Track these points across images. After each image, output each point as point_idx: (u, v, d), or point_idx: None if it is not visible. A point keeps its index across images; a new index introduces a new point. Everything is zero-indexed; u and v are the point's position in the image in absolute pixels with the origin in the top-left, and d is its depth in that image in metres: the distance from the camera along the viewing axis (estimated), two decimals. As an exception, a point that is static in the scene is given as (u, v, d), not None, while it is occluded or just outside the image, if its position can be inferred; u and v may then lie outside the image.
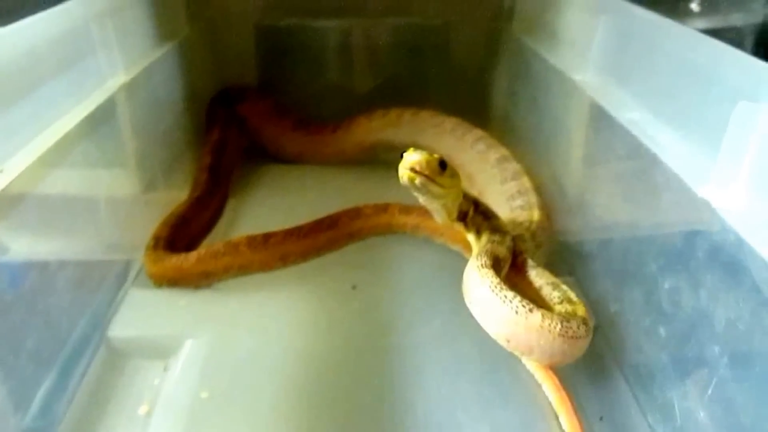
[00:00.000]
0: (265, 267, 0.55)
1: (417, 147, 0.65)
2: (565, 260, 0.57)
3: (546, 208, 0.57)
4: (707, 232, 0.36)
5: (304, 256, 0.57)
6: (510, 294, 0.40)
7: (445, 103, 0.72)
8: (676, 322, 0.39)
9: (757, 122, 0.33)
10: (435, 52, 0.80)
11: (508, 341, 0.40)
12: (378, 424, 0.42)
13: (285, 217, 0.60)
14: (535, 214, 0.56)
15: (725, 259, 0.34)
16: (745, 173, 0.34)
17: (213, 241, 0.61)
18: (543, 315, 0.39)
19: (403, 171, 0.42)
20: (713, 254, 0.35)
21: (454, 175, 0.45)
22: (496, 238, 0.47)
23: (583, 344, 0.39)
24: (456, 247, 0.58)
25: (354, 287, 0.55)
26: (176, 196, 0.65)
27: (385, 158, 0.73)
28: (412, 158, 0.42)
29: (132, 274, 0.56)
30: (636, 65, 0.49)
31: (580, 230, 0.56)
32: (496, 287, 0.40)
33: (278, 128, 0.76)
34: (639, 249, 0.45)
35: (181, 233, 0.59)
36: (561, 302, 0.43)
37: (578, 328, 0.39)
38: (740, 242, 0.32)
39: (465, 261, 0.55)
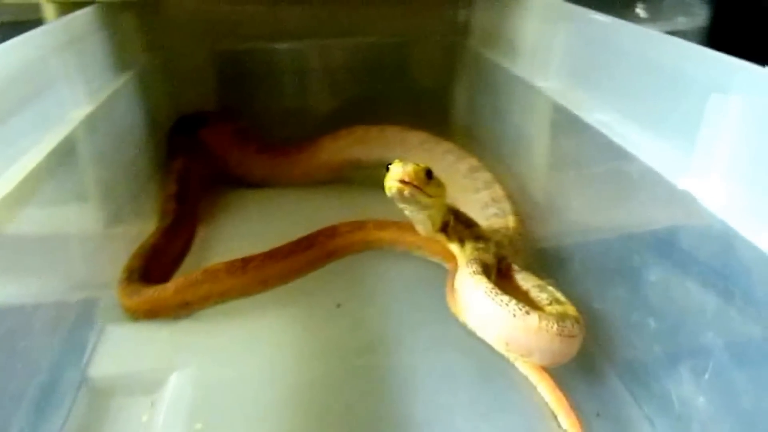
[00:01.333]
0: (246, 292, 0.54)
1: (384, 162, 0.67)
2: (542, 264, 0.57)
3: (520, 214, 0.58)
4: (691, 222, 0.37)
5: (285, 278, 0.56)
6: (505, 298, 0.40)
7: (406, 120, 0.73)
8: (666, 314, 0.40)
9: (728, 112, 0.35)
10: (394, 70, 0.81)
11: (507, 344, 0.40)
12: (379, 441, 0.42)
13: (257, 242, 0.59)
14: (511, 221, 0.57)
15: (712, 246, 0.35)
16: (722, 162, 0.35)
17: (186, 271, 0.59)
18: (540, 316, 0.39)
19: (392, 182, 0.42)
20: (699, 243, 0.37)
21: (440, 184, 0.45)
22: (481, 245, 0.48)
23: (578, 342, 0.40)
24: (435, 259, 0.59)
25: (338, 306, 0.54)
26: (143, 227, 0.63)
27: (353, 177, 0.74)
28: (399, 169, 0.42)
29: (107, 309, 0.54)
30: (598, 68, 0.51)
31: (556, 233, 0.57)
32: (491, 292, 0.41)
33: (242, 153, 0.76)
34: (619, 246, 0.46)
35: (154, 264, 0.57)
36: (550, 303, 0.43)
37: (573, 326, 0.39)
38: (726, 229, 0.33)
39: (445, 272, 0.57)
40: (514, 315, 0.39)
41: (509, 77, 0.64)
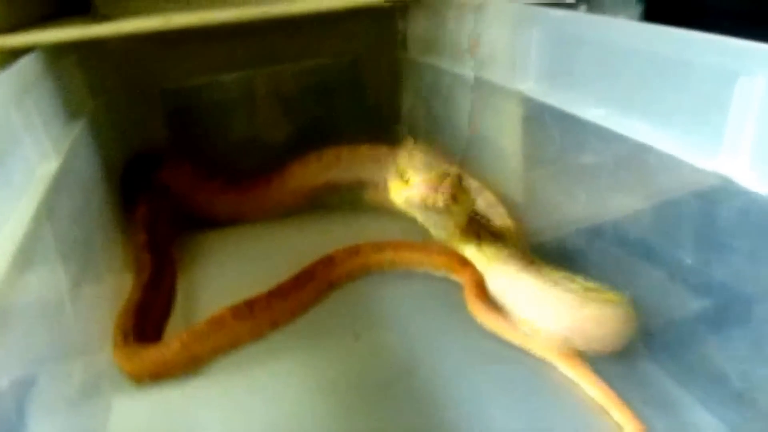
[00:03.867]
0: (256, 336, 0.51)
1: (362, 183, 0.65)
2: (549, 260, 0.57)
3: (515, 215, 0.58)
4: (724, 200, 0.38)
5: (292, 315, 0.53)
6: (562, 287, 0.40)
7: (362, 138, 0.72)
8: (710, 293, 0.40)
9: (736, 92, 0.36)
10: (341, 90, 0.80)
11: (570, 332, 0.40)
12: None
13: (244, 284, 0.56)
14: (510, 223, 0.57)
15: (751, 220, 0.36)
16: (746, 140, 0.36)
17: (177, 324, 0.55)
18: (602, 303, 0.39)
19: (423, 193, 0.40)
20: (736, 218, 0.38)
21: (466, 188, 0.44)
22: (500, 243, 0.47)
23: (635, 326, 0.40)
24: (439, 273, 0.57)
25: (357, 337, 0.52)
26: (118, 282, 0.59)
27: (328, 202, 0.71)
28: (430, 178, 0.40)
29: (104, 378, 0.49)
30: (568, 64, 0.52)
31: (559, 228, 0.57)
32: (546, 284, 0.40)
33: (206, 191, 0.72)
34: (642, 231, 0.47)
35: (146, 321, 0.53)
36: (586, 291, 0.43)
37: (629, 310, 0.39)
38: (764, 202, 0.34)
39: (451, 284, 0.56)
40: (576, 303, 0.39)
41: (459, 81, 0.65)
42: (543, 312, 0.42)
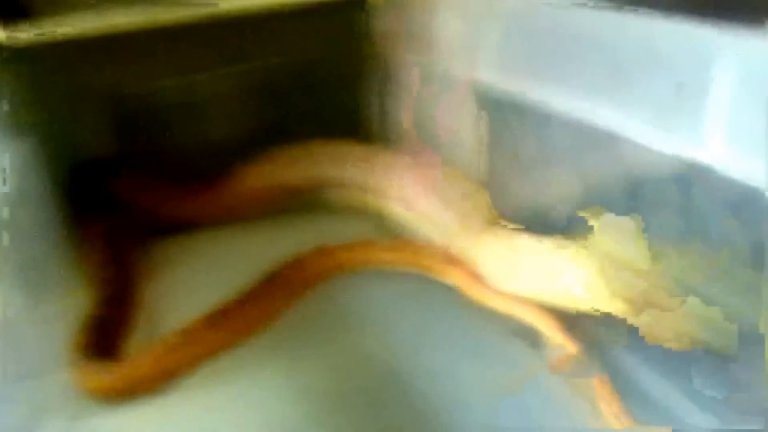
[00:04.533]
0: (231, 345, 0.49)
1: (322, 183, 0.64)
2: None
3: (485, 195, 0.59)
4: (697, 187, 0.39)
5: (267, 320, 0.51)
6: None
7: (324, 137, 0.70)
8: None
9: (708, 77, 0.37)
10: (299, 89, 0.77)
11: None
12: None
13: (206, 292, 0.53)
14: (490, 213, 0.57)
15: (730, 204, 0.38)
16: (718, 126, 0.38)
17: (142, 339, 0.52)
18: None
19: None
20: (714, 204, 0.39)
21: None
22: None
23: None
24: (413, 270, 0.57)
25: (330, 339, 0.51)
26: (73, 300, 0.55)
27: (289, 205, 0.69)
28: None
29: (62, 400, 0.46)
30: (536, 53, 0.53)
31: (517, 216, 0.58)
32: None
33: (157, 198, 0.69)
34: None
35: (107, 337, 0.50)
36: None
37: None
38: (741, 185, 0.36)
39: (424, 280, 0.55)
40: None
41: (427, 74, 0.64)
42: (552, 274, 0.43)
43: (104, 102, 0.70)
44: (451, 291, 0.54)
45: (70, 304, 0.55)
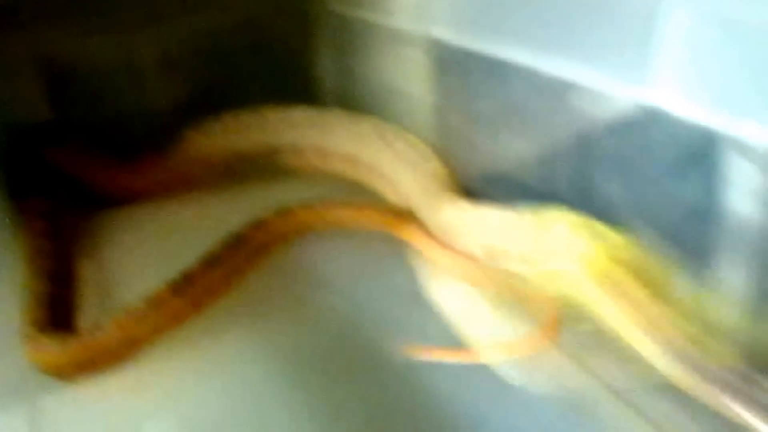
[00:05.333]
0: (196, 310, 0.47)
1: (272, 146, 0.63)
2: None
3: (441, 155, 0.59)
4: (654, 128, 0.41)
5: (230, 284, 0.50)
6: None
7: (271, 100, 0.68)
8: (643, 216, 0.43)
9: (658, 22, 0.38)
10: (247, 49, 0.75)
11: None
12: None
13: (159, 264, 0.52)
14: (436, 163, 0.57)
15: (683, 143, 0.39)
16: (669, 68, 0.39)
17: (90, 314, 0.50)
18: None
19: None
20: (668, 144, 0.40)
21: None
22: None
23: None
24: (375, 228, 0.57)
25: (295, 298, 0.50)
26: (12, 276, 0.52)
27: (240, 170, 0.68)
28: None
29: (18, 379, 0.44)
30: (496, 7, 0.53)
31: (479, 170, 0.58)
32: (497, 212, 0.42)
33: (99, 169, 0.66)
34: (571, 168, 0.49)
35: (58, 312, 0.48)
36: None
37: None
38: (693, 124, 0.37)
39: (383, 238, 0.55)
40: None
41: (383, 31, 0.64)
42: (503, 237, 0.44)
43: (33, 65, 0.66)
44: (409, 247, 0.54)
45: (13, 280, 0.52)
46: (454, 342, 0.44)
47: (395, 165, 0.59)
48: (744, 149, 0.37)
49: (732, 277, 0.39)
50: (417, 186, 0.57)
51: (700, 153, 0.39)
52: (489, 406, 0.40)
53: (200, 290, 0.47)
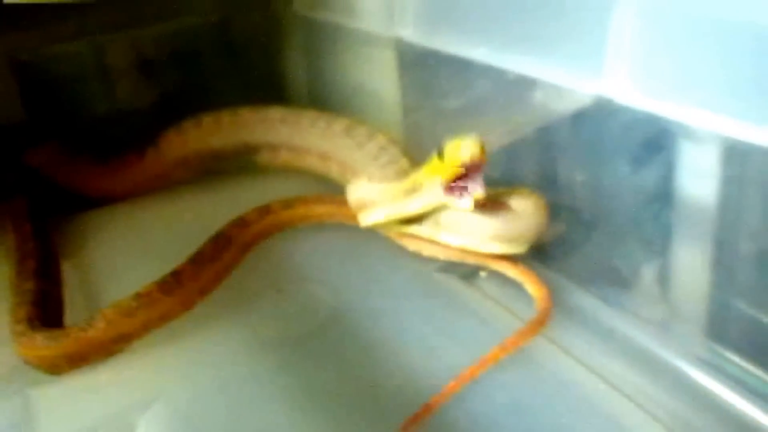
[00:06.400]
0: (185, 307, 0.49)
1: (248, 145, 0.65)
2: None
3: (409, 155, 0.61)
4: (609, 118, 0.44)
5: (217, 281, 0.52)
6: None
7: (242, 101, 0.70)
8: (600, 201, 0.47)
9: (611, 18, 0.42)
10: (216, 51, 0.77)
11: (493, 230, 0.46)
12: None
13: (140, 262, 0.55)
14: (404, 163, 0.60)
15: (637, 131, 0.43)
16: (622, 63, 0.42)
17: (78, 312, 0.51)
18: (515, 195, 0.46)
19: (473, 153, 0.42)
20: (623, 133, 0.44)
21: None
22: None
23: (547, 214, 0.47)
24: (343, 221, 0.59)
25: (278, 291, 0.52)
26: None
27: (216, 169, 0.70)
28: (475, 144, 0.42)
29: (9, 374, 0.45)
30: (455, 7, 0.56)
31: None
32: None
33: (77, 170, 0.67)
34: (531, 158, 0.52)
35: (46, 309, 0.49)
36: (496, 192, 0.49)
37: (540, 198, 0.46)
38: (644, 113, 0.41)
39: (357, 230, 0.58)
40: (496, 198, 0.45)
41: (350, 33, 0.66)
42: (467, 219, 0.47)
43: (8, 68, 0.67)
44: (383, 238, 0.57)
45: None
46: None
47: (363, 162, 0.61)
48: (693, 136, 0.41)
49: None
50: (377, 177, 0.59)
51: (653, 140, 0.43)
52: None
53: (188, 288, 0.49)
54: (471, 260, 0.51)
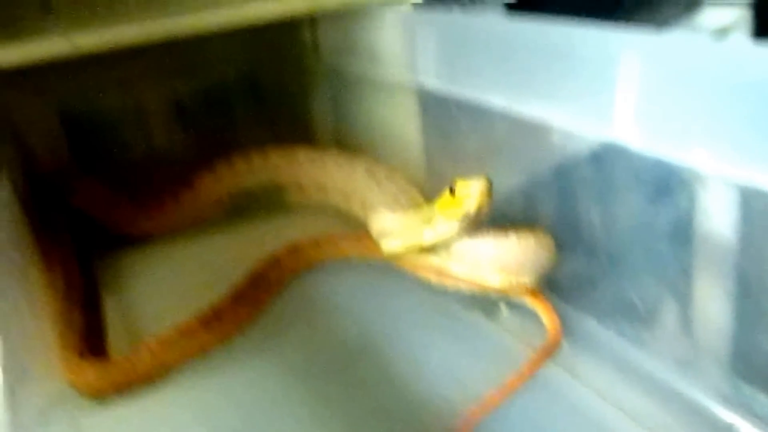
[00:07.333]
0: (222, 341, 0.53)
1: (277, 184, 0.69)
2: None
3: (427, 197, 0.65)
4: (618, 163, 0.47)
5: (252, 316, 0.56)
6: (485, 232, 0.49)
7: (276, 143, 0.75)
8: (613, 239, 0.50)
9: (618, 71, 0.45)
10: (248, 98, 0.82)
11: (500, 265, 0.49)
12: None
13: (179, 298, 0.58)
14: (420, 200, 0.63)
15: (644, 175, 0.46)
16: (629, 111, 0.46)
17: (118, 343, 0.55)
18: (522, 232, 0.50)
19: (481, 198, 0.46)
20: (632, 176, 0.47)
21: None
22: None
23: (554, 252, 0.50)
24: (368, 257, 0.62)
25: (309, 324, 0.56)
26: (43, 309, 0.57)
27: (246, 207, 0.74)
28: (483, 186, 0.46)
29: (60, 400, 0.49)
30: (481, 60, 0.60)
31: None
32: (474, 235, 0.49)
33: (118, 210, 0.71)
34: (547, 199, 0.56)
35: (91, 338, 0.53)
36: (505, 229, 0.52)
37: (547, 236, 0.49)
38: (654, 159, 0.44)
39: (383, 266, 0.61)
40: (505, 235, 0.48)
41: (375, 81, 0.71)
42: (474, 251, 0.50)
43: (55, 118, 0.72)
44: (407, 273, 0.59)
45: (45, 313, 0.57)
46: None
47: (382, 199, 0.64)
48: (701, 179, 0.44)
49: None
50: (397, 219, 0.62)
51: (662, 183, 0.46)
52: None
53: (227, 323, 0.53)
54: (492, 293, 0.54)
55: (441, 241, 0.52)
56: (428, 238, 0.52)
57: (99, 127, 0.74)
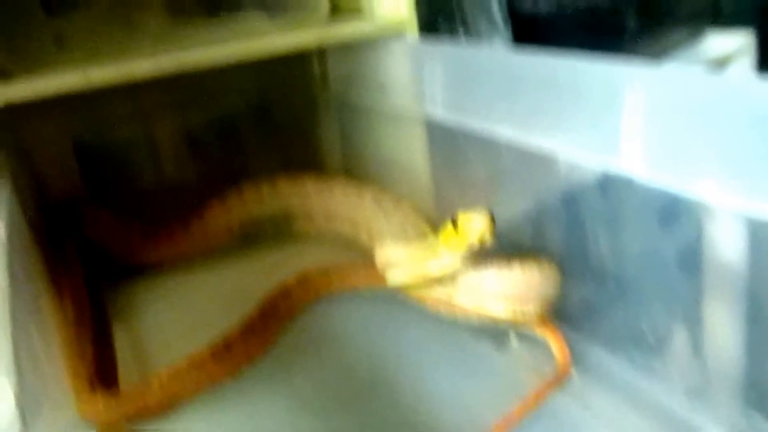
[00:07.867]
0: (233, 373, 0.53)
1: (286, 213, 0.70)
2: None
3: (434, 227, 0.65)
4: (625, 194, 0.48)
5: (264, 348, 0.56)
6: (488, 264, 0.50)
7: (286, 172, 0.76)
8: (621, 269, 0.50)
9: (624, 103, 0.46)
10: (258, 129, 0.83)
11: (504, 295, 0.50)
12: None
13: (189, 327, 0.59)
14: (425, 229, 0.64)
15: (651, 206, 0.46)
16: (635, 143, 0.46)
17: (129, 374, 0.55)
18: (526, 263, 0.50)
19: (483, 231, 0.47)
20: (639, 207, 0.47)
21: None
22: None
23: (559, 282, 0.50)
24: (376, 287, 0.62)
25: (318, 356, 0.56)
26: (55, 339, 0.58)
27: (255, 236, 0.74)
28: (485, 220, 0.47)
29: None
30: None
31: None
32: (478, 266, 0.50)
33: (128, 240, 0.72)
34: (554, 228, 0.56)
35: (103, 370, 0.53)
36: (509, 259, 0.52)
37: (552, 267, 0.50)
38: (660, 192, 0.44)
39: (392, 296, 0.61)
40: (509, 265, 0.49)
41: (383, 112, 0.72)
42: (478, 281, 0.50)
43: (70, 148, 0.73)
44: (416, 303, 0.59)
45: (56, 344, 0.57)
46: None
47: (389, 229, 0.65)
48: (706, 209, 0.44)
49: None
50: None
51: (668, 213, 0.46)
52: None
53: (238, 355, 0.53)
54: (501, 323, 0.54)
55: (446, 273, 0.52)
56: (433, 269, 0.52)
57: (111, 157, 0.76)
